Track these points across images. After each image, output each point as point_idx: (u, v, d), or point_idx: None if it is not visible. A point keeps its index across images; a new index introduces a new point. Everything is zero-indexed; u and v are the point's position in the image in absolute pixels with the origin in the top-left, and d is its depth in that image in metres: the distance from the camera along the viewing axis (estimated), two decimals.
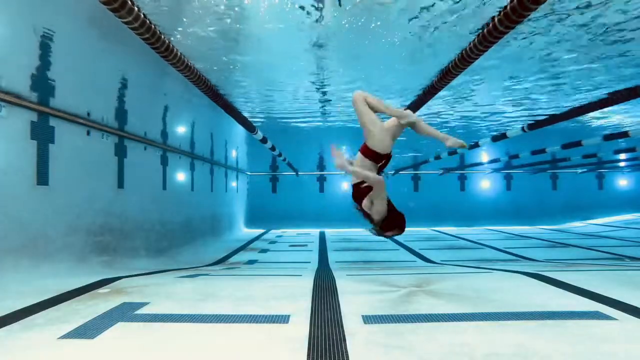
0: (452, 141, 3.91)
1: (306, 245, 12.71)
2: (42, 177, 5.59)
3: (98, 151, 6.92)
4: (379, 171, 3.92)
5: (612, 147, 15.35)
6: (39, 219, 5.51)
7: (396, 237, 14.23)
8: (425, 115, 13.19)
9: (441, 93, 9.11)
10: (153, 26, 5.15)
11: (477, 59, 5.76)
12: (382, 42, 7.30)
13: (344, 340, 2.83)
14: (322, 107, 12.37)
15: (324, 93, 11.00)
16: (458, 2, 5.61)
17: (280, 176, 21.23)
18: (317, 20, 6.43)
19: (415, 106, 9.19)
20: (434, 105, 11.83)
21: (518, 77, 9.48)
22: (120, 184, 7.58)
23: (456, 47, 6.79)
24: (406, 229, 3.85)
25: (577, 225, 18.93)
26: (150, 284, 4.86)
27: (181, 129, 10.62)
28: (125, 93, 7.73)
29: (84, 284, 4.62)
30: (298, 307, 3.68)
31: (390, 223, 3.84)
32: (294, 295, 4.23)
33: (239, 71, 8.99)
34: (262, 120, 14.06)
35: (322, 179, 21.26)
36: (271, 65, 8.68)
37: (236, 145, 17.09)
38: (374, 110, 3.82)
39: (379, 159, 3.84)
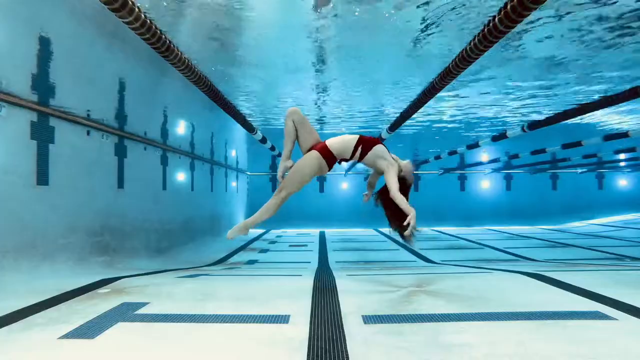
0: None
1: (306, 245, 12.72)
2: (42, 177, 5.59)
3: (98, 151, 6.92)
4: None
5: (612, 147, 15.35)
6: (39, 219, 5.51)
7: (396, 238, 14.24)
8: (424, 114, 13.20)
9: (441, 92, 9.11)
10: (154, 26, 5.14)
11: (477, 58, 5.75)
12: (383, 41, 7.30)
13: (344, 340, 2.83)
14: (321, 109, 12.39)
15: (324, 94, 11.00)
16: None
17: None
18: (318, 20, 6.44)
19: (415, 106, 9.18)
20: (434, 104, 11.84)
21: (518, 76, 9.49)
22: (120, 184, 7.58)
23: (457, 47, 6.80)
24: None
25: (577, 225, 18.93)
26: (150, 284, 4.86)
27: (181, 129, 10.62)
28: (125, 93, 7.73)
29: (84, 284, 4.61)
30: (298, 307, 3.68)
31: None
32: (294, 295, 4.23)
33: (239, 71, 9.01)
34: (261, 121, 14.08)
35: (322, 179, 21.26)
36: (271, 62, 8.69)
37: (236, 145, 17.09)
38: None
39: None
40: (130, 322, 3.27)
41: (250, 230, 4.52)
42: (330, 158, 4.24)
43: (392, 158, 4.28)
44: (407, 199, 4.12)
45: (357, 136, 4.30)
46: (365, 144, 4.26)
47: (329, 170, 4.33)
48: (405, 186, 4.26)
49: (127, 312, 3.51)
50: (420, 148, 19.48)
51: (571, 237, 14.09)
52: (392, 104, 11.66)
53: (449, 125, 14.91)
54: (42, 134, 5.59)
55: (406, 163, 4.34)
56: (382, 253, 10.82)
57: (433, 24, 6.49)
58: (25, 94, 5.30)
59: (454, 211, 20.43)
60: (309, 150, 4.26)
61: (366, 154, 4.25)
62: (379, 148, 4.26)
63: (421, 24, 6.50)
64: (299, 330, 3.06)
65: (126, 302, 3.85)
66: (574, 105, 11.05)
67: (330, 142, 4.25)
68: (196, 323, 3.28)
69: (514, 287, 4.66)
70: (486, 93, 10.81)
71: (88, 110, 6.59)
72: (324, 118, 13.95)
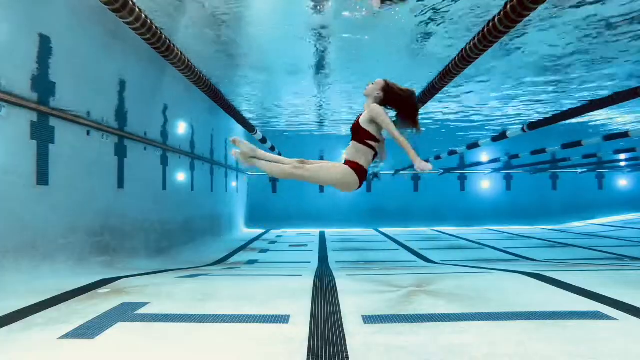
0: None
1: (306, 245, 12.71)
2: (42, 177, 5.59)
3: (98, 151, 6.92)
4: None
5: (612, 147, 15.35)
6: (39, 219, 5.50)
7: (396, 238, 14.25)
8: (423, 115, 13.20)
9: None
10: (154, 26, 5.15)
11: (477, 58, 5.75)
12: (383, 40, 7.30)
13: (344, 340, 2.83)
14: (320, 110, 12.38)
15: (321, 102, 11.01)
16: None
17: None
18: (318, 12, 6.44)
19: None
20: (433, 104, 11.84)
21: (518, 76, 9.48)
22: (120, 184, 7.58)
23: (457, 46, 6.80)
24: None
25: (577, 225, 18.93)
26: (150, 284, 4.86)
27: (181, 129, 10.62)
28: (125, 93, 7.73)
29: (84, 284, 4.61)
30: (298, 307, 3.68)
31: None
32: (294, 295, 4.23)
33: (239, 71, 9.01)
34: (261, 121, 14.09)
35: None
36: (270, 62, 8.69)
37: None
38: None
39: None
40: (130, 322, 3.27)
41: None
42: (364, 175, 4.07)
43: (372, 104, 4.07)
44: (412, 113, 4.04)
45: (352, 142, 4.12)
46: (361, 135, 4.04)
47: (357, 188, 4.13)
48: (403, 99, 4.07)
49: (127, 312, 3.51)
50: (421, 148, 19.46)
51: (571, 237, 14.09)
52: None
53: (451, 124, 14.91)
54: (42, 134, 5.59)
55: (374, 85, 4.12)
56: (382, 253, 10.82)
57: (434, 23, 6.49)
58: (25, 94, 5.30)
59: (454, 211, 20.43)
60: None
61: (374, 136, 4.03)
62: (363, 123, 4.04)
63: (422, 23, 6.49)
64: (299, 330, 3.06)
65: (126, 302, 3.85)
66: (574, 105, 11.06)
67: (355, 159, 4.03)
68: (196, 323, 3.28)
69: (514, 287, 4.66)
70: (486, 93, 10.81)
71: (88, 110, 6.59)
72: (323, 119, 13.96)
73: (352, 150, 4.08)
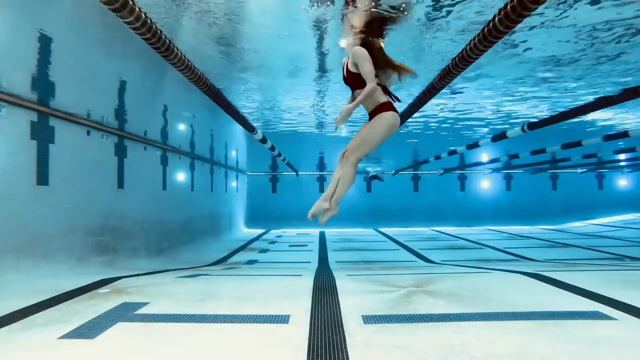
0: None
1: (306, 245, 12.72)
2: (42, 177, 5.59)
3: (98, 151, 6.92)
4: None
5: (612, 147, 15.35)
6: (39, 219, 5.51)
7: (396, 238, 14.25)
8: (421, 114, 13.21)
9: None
10: (154, 26, 5.14)
11: (477, 58, 5.75)
12: (385, 39, 7.29)
13: (344, 340, 2.83)
14: (320, 109, 12.38)
15: (323, 96, 11.00)
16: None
17: (280, 176, 21.24)
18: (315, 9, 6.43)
19: (414, 106, 9.19)
20: (432, 104, 11.84)
21: (518, 76, 9.48)
22: (120, 184, 7.58)
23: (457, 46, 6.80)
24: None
25: (577, 225, 18.93)
26: (150, 284, 4.86)
27: (181, 129, 10.63)
28: (125, 93, 7.73)
29: (84, 284, 4.61)
30: (298, 307, 3.68)
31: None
32: (294, 295, 4.23)
33: (239, 71, 9.00)
34: (261, 121, 14.08)
35: (322, 179, 21.26)
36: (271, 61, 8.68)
37: (236, 145, 17.09)
38: None
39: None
40: (130, 322, 3.27)
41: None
42: (393, 106, 4.20)
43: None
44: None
45: (355, 92, 4.22)
46: (358, 80, 4.15)
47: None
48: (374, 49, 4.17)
49: (127, 312, 3.51)
50: (420, 147, 19.48)
51: (571, 237, 14.09)
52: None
53: (448, 123, 14.91)
54: (42, 134, 5.59)
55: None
56: (382, 253, 10.82)
57: (435, 22, 6.49)
58: (25, 94, 5.30)
59: (454, 211, 20.43)
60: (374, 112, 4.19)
61: (357, 74, 4.13)
62: (352, 69, 4.14)
63: (424, 22, 6.49)
64: (299, 330, 3.06)
65: (126, 302, 3.85)
66: (574, 106, 11.06)
67: (376, 103, 4.12)
68: (196, 323, 3.28)
69: (514, 287, 4.66)
70: (485, 93, 10.81)
71: (88, 110, 6.59)
72: (324, 119, 13.95)
73: (366, 100, 4.15)
